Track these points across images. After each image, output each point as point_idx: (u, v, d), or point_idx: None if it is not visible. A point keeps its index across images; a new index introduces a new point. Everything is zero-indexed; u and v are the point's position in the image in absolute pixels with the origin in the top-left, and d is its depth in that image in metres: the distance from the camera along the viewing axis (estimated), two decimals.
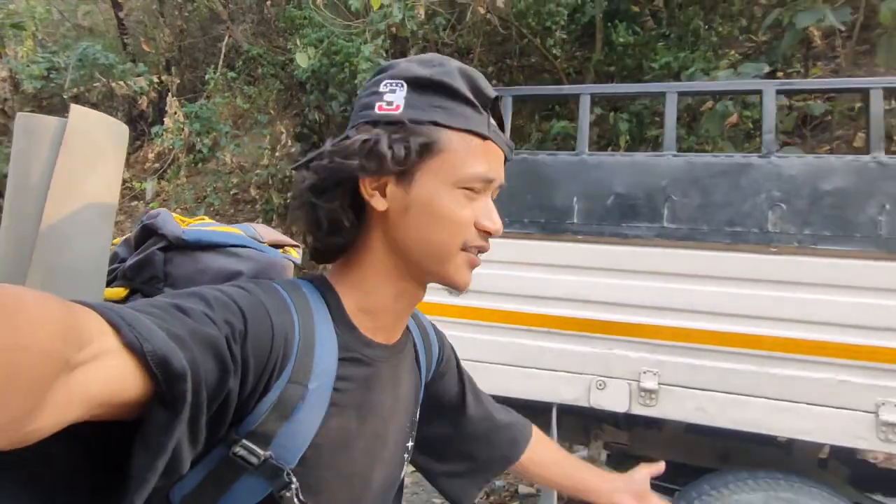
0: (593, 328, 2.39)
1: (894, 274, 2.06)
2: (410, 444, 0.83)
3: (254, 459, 0.60)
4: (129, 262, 0.78)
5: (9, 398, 0.35)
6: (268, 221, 7.70)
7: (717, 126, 5.61)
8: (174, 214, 0.85)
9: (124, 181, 9.72)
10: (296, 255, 0.93)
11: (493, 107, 0.72)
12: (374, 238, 0.71)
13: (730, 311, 2.24)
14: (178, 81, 9.26)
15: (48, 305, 0.39)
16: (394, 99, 0.68)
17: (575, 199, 2.43)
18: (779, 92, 2.36)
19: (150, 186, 9.09)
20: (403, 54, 8.06)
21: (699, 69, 6.07)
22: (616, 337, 2.37)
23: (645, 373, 2.28)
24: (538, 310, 2.48)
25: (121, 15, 9.25)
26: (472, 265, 0.72)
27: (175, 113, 7.87)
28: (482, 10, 7.02)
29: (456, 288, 0.72)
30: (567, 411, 2.47)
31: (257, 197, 8.93)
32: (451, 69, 0.69)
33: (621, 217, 2.39)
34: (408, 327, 0.83)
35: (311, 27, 7.81)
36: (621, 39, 7.44)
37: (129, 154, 9.88)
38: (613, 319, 2.37)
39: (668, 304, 2.30)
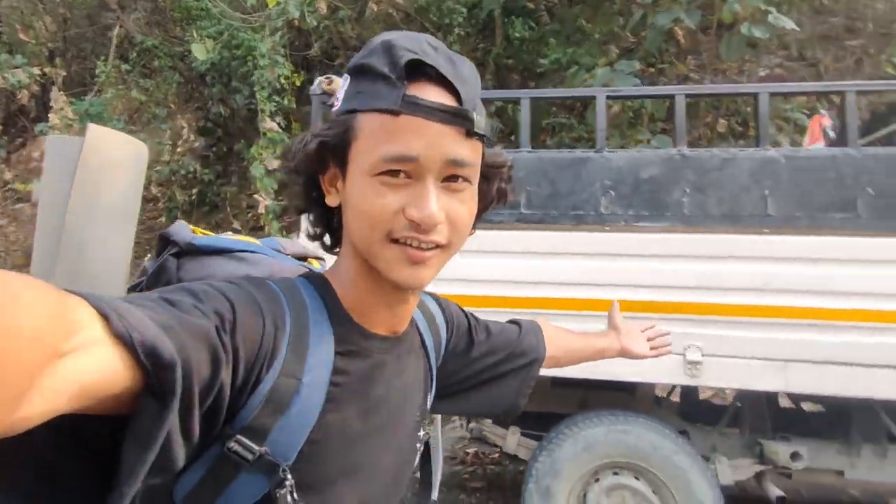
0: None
1: (696, 244, 2.66)
2: (422, 432, 0.84)
3: (249, 455, 0.61)
4: (150, 271, 0.82)
5: None
6: (171, 220, 7.68)
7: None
8: (194, 227, 0.88)
9: (6, 182, 9.31)
10: (318, 265, 0.94)
11: (412, 74, 0.63)
12: (345, 234, 0.73)
13: (577, 281, 2.77)
14: (65, 74, 8.97)
15: (38, 292, 0.40)
16: (339, 94, 0.69)
17: None
18: (610, 98, 2.90)
19: (36, 188, 8.76)
20: (307, 48, 8.28)
21: (584, 66, 6.73)
22: (489, 309, 2.83)
23: None
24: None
25: None
26: (412, 260, 0.65)
27: (62, 108, 7.65)
28: (375, 8, 7.33)
29: (394, 283, 0.67)
30: None
31: (159, 195, 8.85)
32: (373, 47, 0.66)
33: None
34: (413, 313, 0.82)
35: (208, 19, 7.82)
36: (517, 34, 8.01)
37: (9, 154, 9.43)
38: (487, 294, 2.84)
39: (529, 279, 2.80)
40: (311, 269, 0.87)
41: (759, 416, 3.04)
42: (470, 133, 0.64)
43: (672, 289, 2.66)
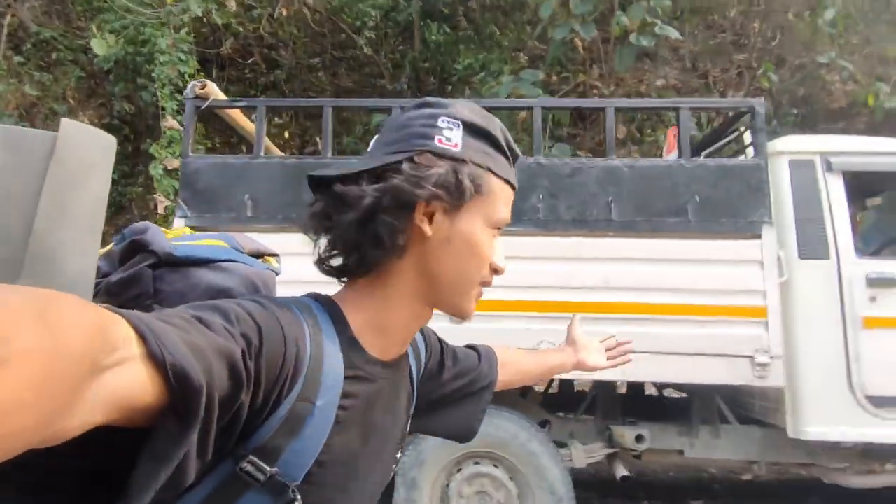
0: None
1: (550, 246, 2.95)
2: (399, 454, 0.90)
3: (260, 476, 0.63)
4: (115, 277, 0.81)
5: (43, 398, 0.38)
6: None
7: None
8: (165, 230, 0.88)
9: None
10: (276, 264, 0.98)
11: (516, 162, 0.84)
12: (407, 262, 0.77)
13: None
14: None
15: (82, 310, 0.43)
16: (452, 137, 0.75)
17: None
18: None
19: None
20: (216, 45, 8.25)
21: (493, 71, 7.06)
22: None
23: None
24: None
25: None
26: (479, 297, 0.81)
27: None
28: (285, 11, 7.43)
29: (463, 317, 0.81)
30: None
31: None
32: (496, 123, 0.80)
33: None
34: None
35: (111, 12, 7.68)
36: (433, 38, 8.27)
37: None
38: None
39: None
40: (271, 269, 0.95)
41: (611, 404, 3.37)
42: None
43: (527, 288, 2.93)
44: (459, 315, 0.81)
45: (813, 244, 2.96)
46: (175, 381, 0.49)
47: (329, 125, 3.15)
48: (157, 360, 0.48)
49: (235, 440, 0.62)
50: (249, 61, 8.71)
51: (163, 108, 6.50)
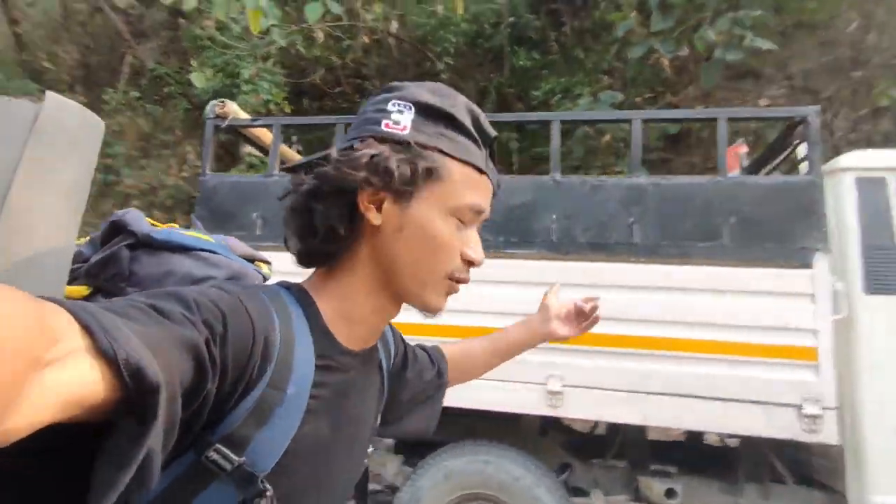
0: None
1: (564, 271, 2.76)
2: (371, 448, 0.90)
3: (227, 465, 0.62)
4: (94, 258, 0.81)
5: None
6: None
7: (580, 148, 6.44)
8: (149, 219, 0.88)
9: None
10: (267, 270, 0.97)
11: (490, 144, 0.79)
12: (362, 251, 0.76)
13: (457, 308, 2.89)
14: (85, 101, 9.73)
15: (17, 302, 0.41)
16: (401, 119, 0.73)
17: None
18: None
19: None
20: (303, 76, 8.77)
21: (573, 94, 6.91)
22: None
23: None
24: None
25: (18, 31, 9.70)
26: (450, 292, 0.78)
27: None
28: (366, 39, 7.74)
29: (430, 311, 0.78)
30: None
31: (163, 220, 9.38)
32: (458, 103, 0.76)
33: None
34: None
35: (212, 49, 8.41)
36: (521, 63, 8.27)
37: None
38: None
39: None
40: (260, 272, 0.94)
41: (639, 450, 3.05)
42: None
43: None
44: (425, 309, 0.78)
45: (883, 276, 2.54)
46: (129, 379, 0.46)
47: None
48: (107, 356, 0.45)
49: (200, 428, 0.61)
50: (337, 90, 9.15)
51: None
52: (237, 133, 3.68)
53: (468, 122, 0.76)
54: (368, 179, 0.70)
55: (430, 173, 0.72)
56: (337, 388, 0.74)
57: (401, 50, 8.93)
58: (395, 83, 0.78)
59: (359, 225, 0.75)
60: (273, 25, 7.13)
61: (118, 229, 0.82)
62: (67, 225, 0.68)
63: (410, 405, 1.03)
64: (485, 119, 0.78)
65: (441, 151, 0.73)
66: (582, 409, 2.71)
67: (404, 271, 0.75)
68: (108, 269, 0.79)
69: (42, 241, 0.65)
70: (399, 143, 0.72)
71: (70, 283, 0.77)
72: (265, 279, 0.94)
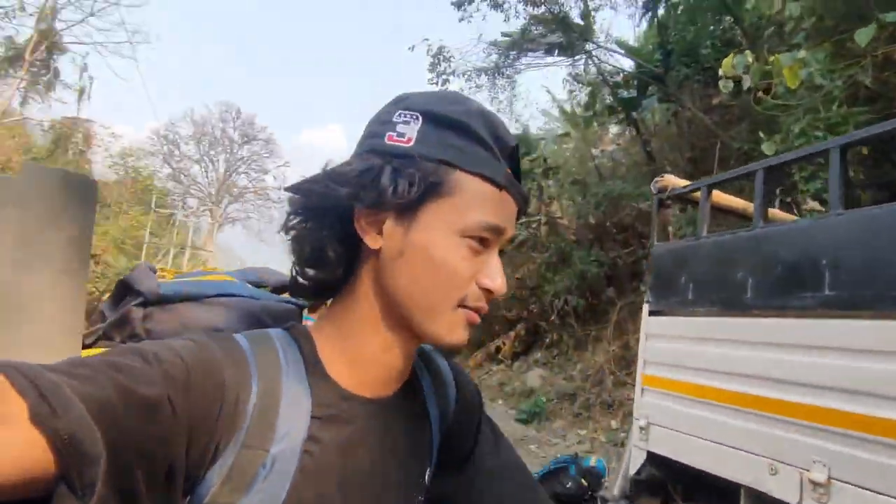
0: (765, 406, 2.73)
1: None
2: (421, 498, 0.78)
3: None
4: (109, 320, 0.81)
5: None
6: None
7: None
8: (162, 268, 0.89)
9: None
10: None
11: (511, 156, 0.71)
12: (363, 280, 0.71)
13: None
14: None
15: None
16: (406, 131, 0.67)
17: None
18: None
19: None
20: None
21: None
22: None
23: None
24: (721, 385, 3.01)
25: (649, 149, 12.00)
26: (470, 323, 0.70)
27: None
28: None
29: (444, 346, 0.70)
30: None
31: None
32: (470, 109, 0.69)
33: None
34: (415, 373, 0.81)
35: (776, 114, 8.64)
36: None
37: None
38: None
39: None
40: (292, 302, 0.92)
41: None
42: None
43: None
44: (439, 344, 0.71)
45: None
46: (65, 450, 0.46)
47: (761, 191, 3.06)
48: (42, 425, 0.45)
49: (182, 493, 0.59)
50: None
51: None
52: (687, 201, 3.97)
53: (483, 131, 0.68)
54: (357, 195, 0.66)
55: (435, 188, 0.66)
56: (341, 442, 0.68)
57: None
58: (404, 93, 0.73)
59: (358, 250, 0.71)
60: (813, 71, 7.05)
61: (126, 288, 0.83)
62: (67, 288, 0.70)
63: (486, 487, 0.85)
64: (504, 127, 0.71)
65: (448, 163, 0.66)
66: None
67: (408, 302, 0.68)
68: (122, 331, 0.81)
69: (41, 311, 0.68)
70: (401, 157, 0.66)
71: (92, 344, 0.81)
72: (301, 309, 0.93)
